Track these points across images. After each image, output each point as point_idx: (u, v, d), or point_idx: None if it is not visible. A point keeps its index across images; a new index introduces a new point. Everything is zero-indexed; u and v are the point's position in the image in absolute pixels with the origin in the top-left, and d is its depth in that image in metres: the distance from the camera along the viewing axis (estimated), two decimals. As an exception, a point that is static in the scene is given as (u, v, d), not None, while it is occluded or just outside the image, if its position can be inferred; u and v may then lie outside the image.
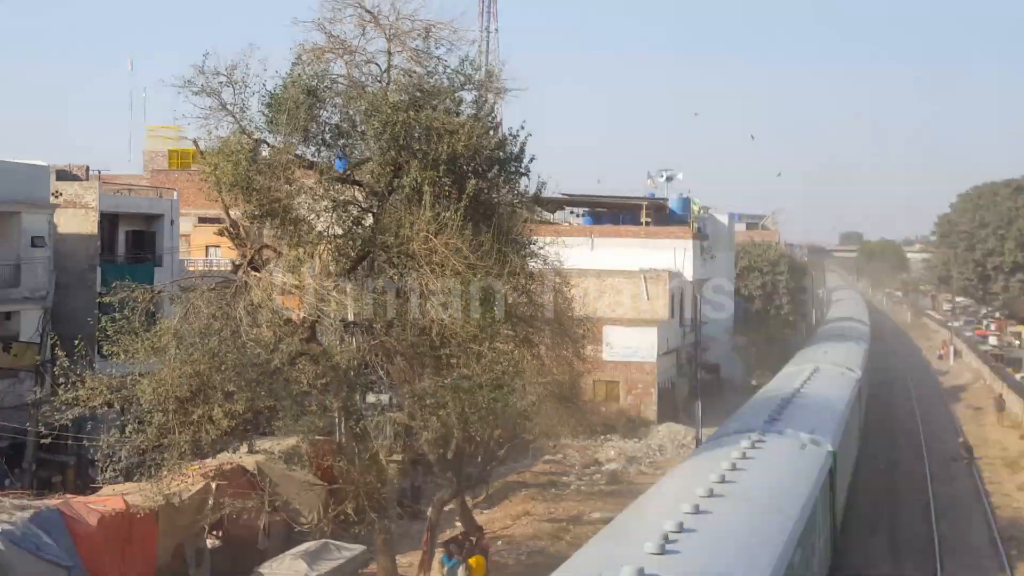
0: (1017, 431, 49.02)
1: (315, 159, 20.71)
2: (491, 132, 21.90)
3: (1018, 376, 59.86)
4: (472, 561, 22.93)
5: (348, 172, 20.88)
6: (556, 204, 25.45)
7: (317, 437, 22.13)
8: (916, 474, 40.98)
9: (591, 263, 39.64)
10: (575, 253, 26.09)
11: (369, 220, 20.99)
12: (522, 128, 21.78)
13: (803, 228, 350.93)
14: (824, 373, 39.35)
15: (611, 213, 53.49)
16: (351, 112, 20.71)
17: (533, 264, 23.93)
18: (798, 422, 26.32)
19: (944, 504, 35.59)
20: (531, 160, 22.43)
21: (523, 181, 22.56)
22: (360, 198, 21.26)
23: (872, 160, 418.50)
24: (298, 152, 20.45)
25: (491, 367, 20.55)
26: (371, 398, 23.21)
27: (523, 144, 22.10)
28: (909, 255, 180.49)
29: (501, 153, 22.12)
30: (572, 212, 48.47)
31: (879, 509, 34.76)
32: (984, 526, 32.72)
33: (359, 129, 20.71)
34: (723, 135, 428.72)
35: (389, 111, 19.86)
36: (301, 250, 19.97)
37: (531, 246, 23.78)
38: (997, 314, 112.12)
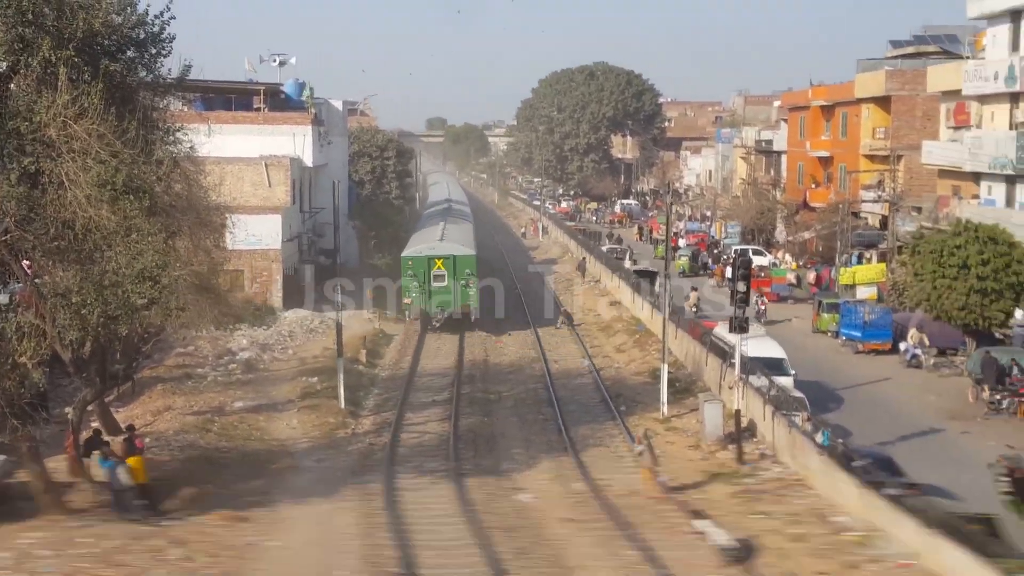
0: (606, 298, 54.42)
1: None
2: (129, 9, 20.61)
3: (604, 248, 66.05)
4: (131, 461, 22.21)
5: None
6: (177, 89, 24.27)
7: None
8: (529, 342, 44.53)
9: (209, 150, 37.91)
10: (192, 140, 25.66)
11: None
12: (168, 7, 20.64)
13: (392, 114, 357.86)
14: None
15: (223, 98, 51.56)
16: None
17: (175, 151, 23.14)
18: None
19: (557, 370, 39.08)
20: (172, 41, 21.46)
21: (163, 64, 21.52)
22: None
23: (454, 46, 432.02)
24: None
25: (137, 260, 19.85)
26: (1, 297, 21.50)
27: (164, 24, 20.99)
28: (491, 139, 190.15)
29: (139, 32, 20.94)
30: (183, 97, 46.01)
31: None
32: (594, 387, 36.38)
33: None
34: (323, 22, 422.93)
35: (16, -17, 18.18)
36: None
37: (176, 133, 22.97)
38: (573, 192, 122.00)
